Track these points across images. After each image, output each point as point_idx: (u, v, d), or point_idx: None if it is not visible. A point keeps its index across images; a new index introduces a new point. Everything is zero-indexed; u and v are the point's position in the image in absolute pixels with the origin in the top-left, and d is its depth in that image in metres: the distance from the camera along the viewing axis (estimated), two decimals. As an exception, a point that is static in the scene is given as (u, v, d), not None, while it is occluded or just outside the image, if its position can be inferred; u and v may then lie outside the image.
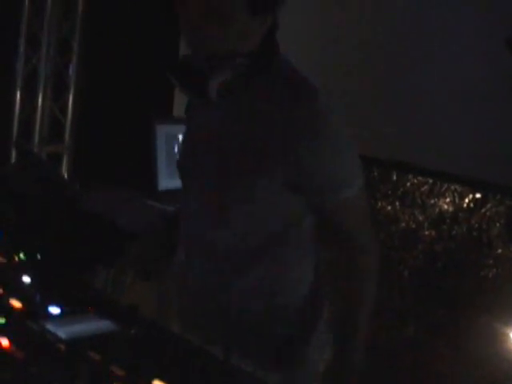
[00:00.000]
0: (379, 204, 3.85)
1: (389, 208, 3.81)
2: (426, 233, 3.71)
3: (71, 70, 4.92)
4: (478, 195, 3.58)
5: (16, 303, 1.51)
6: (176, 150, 3.16)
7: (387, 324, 3.36)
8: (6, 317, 1.43)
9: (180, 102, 4.43)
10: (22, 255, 1.77)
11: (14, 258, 1.76)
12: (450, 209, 3.65)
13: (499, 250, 3.51)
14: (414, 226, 3.75)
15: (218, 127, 1.81)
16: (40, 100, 4.93)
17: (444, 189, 3.66)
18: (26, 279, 1.59)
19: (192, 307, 1.93)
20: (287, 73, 1.77)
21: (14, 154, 4.85)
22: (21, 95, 4.93)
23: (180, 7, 1.69)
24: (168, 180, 3.03)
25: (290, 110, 1.69)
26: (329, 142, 1.71)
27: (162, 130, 3.08)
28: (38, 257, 1.78)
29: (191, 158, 1.91)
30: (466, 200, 3.61)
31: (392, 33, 3.69)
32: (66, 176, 4.69)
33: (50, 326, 1.41)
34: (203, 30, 1.67)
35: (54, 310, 1.50)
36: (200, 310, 1.90)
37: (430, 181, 3.70)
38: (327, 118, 1.72)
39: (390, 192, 3.82)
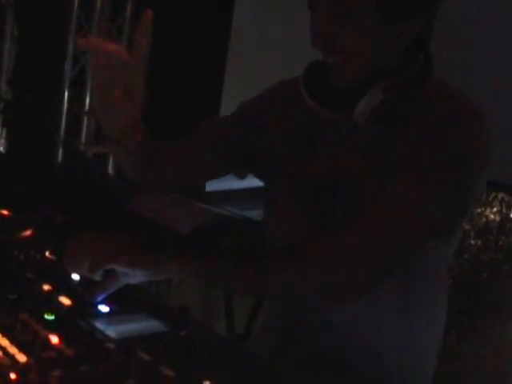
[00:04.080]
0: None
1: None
2: (472, 242, 3.66)
3: (119, 72, 4.95)
4: (525, 205, 3.53)
5: (65, 300, 1.52)
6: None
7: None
8: (55, 314, 1.44)
9: (227, 106, 4.45)
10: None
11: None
12: (497, 218, 3.60)
13: (546, 262, 3.46)
14: (460, 235, 3.70)
15: (359, 155, 1.56)
16: (88, 100, 4.97)
17: (491, 198, 3.61)
18: (75, 277, 1.59)
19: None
20: (443, 96, 1.53)
21: (60, 153, 4.90)
22: (69, 95, 4.98)
23: (312, 10, 1.50)
24: (215, 182, 3.01)
25: (445, 137, 1.45)
26: (457, 169, 1.45)
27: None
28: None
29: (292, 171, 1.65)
30: (514, 210, 3.56)
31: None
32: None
33: (99, 325, 1.42)
34: (334, 34, 1.47)
35: (103, 309, 1.50)
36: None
37: (477, 189, 3.65)
38: (477, 153, 1.48)
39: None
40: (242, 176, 1.84)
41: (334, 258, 1.42)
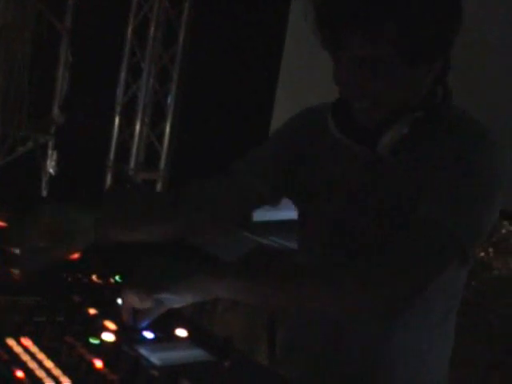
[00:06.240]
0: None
1: (482, 254, 3.74)
2: (517, 282, 3.63)
3: (169, 99, 5.01)
4: None
5: (110, 325, 1.52)
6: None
7: (473, 374, 3.26)
8: (100, 338, 1.44)
9: (277, 119, 4.47)
10: (117, 278, 1.79)
11: (109, 280, 1.77)
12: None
13: None
14: (507, 273, 3.66)
15: (382, 184, 1.66)
16: (138, 127, 5.03)
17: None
18: (121, 302, 1.59)
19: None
20: (462, 123, 1.62)
21: (109, 177, 4.95)
22: (119, 121, 5.04)
23: (335, 62, 1.57)
24: (262, 212, 3.02)
25: (461, 160, 1.54)
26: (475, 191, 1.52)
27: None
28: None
29: (332, 207, 1.73)
30: (562, 249, 3.52)
31: None
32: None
33: (143, 351, 1.42)
34: (360, 81, 1.54)
35: (148, 335, 1.50)
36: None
37: (526, 228, 3.62)
38: (492, 178, 1.54)
39: (483, 238, 3.74)
40: (276, 204, 1.94)
41: (360, 283, 1.47)
